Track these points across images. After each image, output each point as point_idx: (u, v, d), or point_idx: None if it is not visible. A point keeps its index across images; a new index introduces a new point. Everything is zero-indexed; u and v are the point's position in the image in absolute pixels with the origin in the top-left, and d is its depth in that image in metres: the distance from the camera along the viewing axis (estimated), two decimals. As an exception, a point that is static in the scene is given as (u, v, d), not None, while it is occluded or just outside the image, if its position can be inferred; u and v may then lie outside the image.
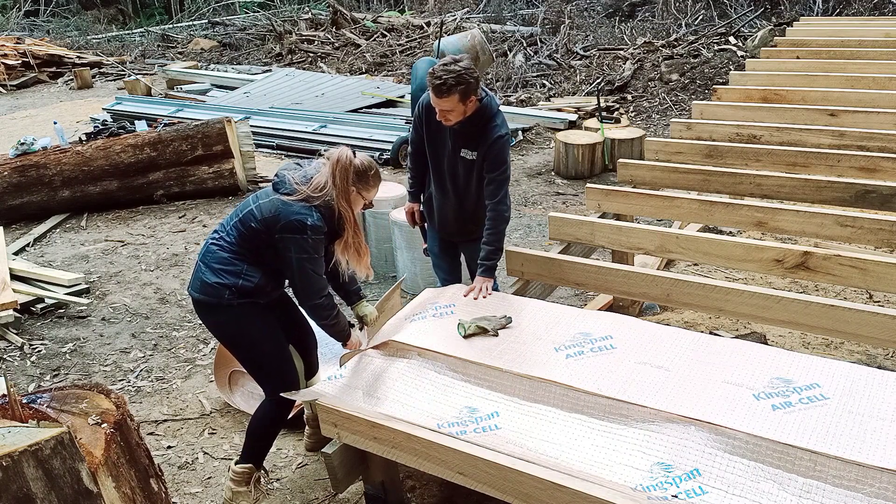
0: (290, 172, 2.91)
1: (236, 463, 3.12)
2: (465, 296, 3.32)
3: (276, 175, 2.95)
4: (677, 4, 13.07)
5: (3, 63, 13.21)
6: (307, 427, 3.42)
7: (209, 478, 3.39)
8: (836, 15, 11.36)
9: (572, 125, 8.74)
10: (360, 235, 2.98)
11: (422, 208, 3.80)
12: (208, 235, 2.99)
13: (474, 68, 3.23)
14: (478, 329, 2.97)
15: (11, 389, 2.08)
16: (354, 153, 2.93)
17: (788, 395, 2.48)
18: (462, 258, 3.86)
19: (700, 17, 12.56)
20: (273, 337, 3.01)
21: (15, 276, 5.21)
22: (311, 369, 3.34)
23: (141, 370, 4.30)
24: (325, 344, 3.46)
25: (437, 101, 3.20)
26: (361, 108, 9.67)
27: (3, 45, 13.83)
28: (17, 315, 4.85)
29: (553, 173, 7.60)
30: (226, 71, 12.92)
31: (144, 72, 13.57)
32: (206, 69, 13.06)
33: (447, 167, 3.49)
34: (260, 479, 3.15)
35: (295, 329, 3.24)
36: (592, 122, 8.29)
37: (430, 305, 3.23)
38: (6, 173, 6.69)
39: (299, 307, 3.14)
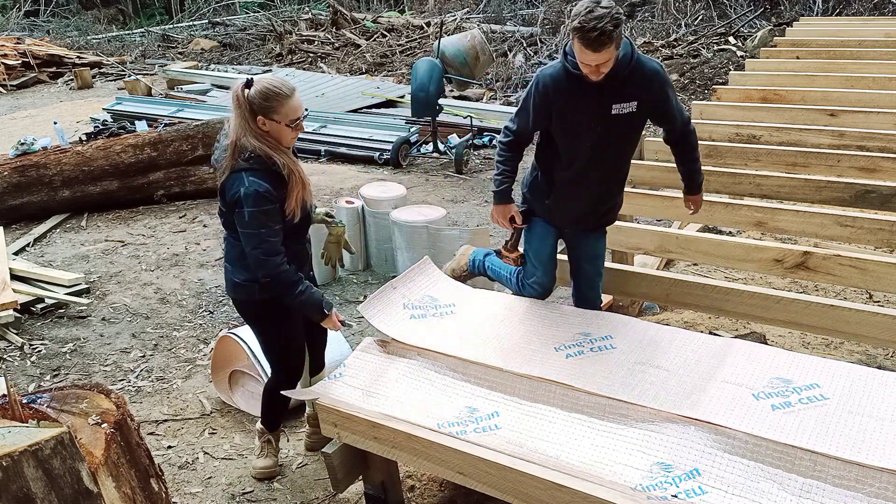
0: (216, 153, 2.82)
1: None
2: (693, 212, 3.38)
3: (211, 163, 2.91)
4: (677, 4, 13.07)
5: (3, 63, 13.21)
6: (307, 427, 3.44)
7: (209, 478, 3.39)
8: (836, 15, 11.37)
9: (572, 125, 8.72)
10: (297, 163, 2.77)
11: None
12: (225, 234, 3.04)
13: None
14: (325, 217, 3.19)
15: (11, 389, 2.07)
16: (248, 82, 2.66)
17: (788, 395, 2.48)
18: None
19: (700, 18, 12.57)
20: (295, 334, 3.10)
21: (15, 276, 5.21)
22: (318, 365, 3.36)
23: (141, 370, 4.30)
24: (328, 349, 3.46)
25: (596, 57, 2.65)
26: (361, 109, 9.67)
27: (3, 45, 13.82)
28: (17, 315, 4.84)
29: (553, 173, 7.59)
30: (226, 71, 12.91)
31: (144, 72, 13.57)
32: (206, 69, 13.05)
33: (595, 138, 2.95)
34: (270, 441, 3.29)
35: (309, 325, 3.27)
36: (592, 122, 8.26)
37: (430, 303, 3.23)
38: (6, 173, 6.68)
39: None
